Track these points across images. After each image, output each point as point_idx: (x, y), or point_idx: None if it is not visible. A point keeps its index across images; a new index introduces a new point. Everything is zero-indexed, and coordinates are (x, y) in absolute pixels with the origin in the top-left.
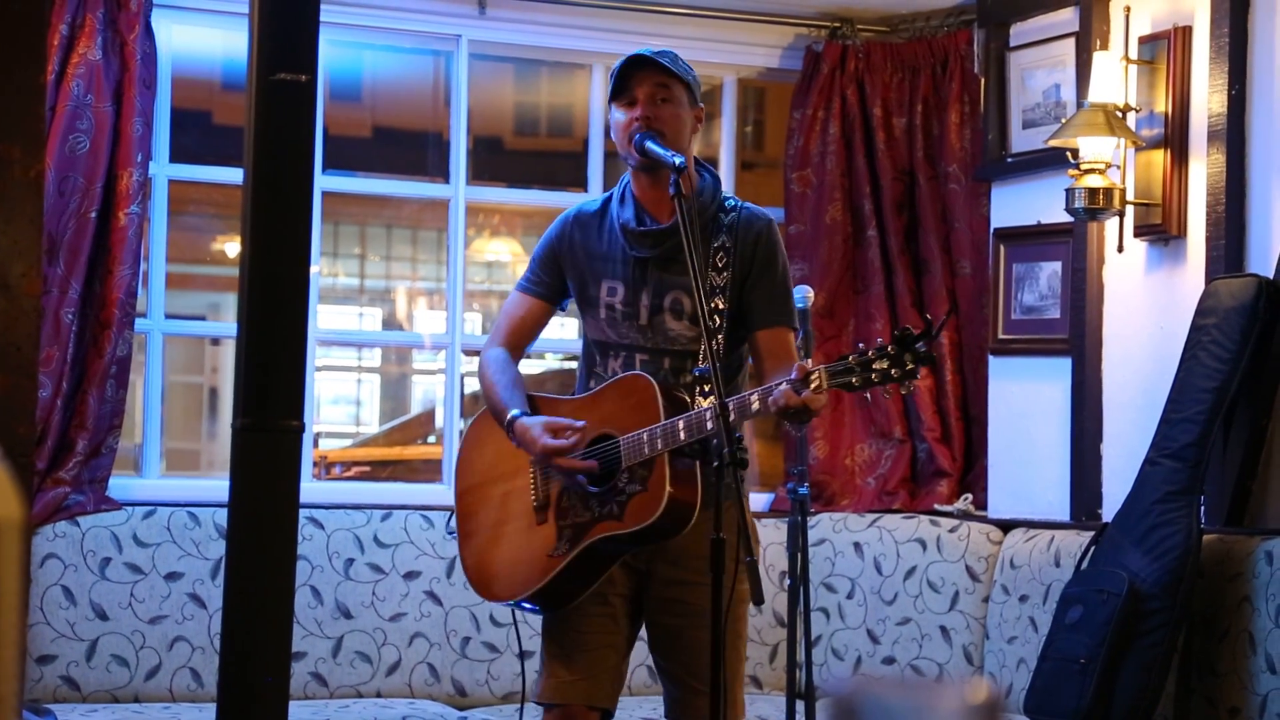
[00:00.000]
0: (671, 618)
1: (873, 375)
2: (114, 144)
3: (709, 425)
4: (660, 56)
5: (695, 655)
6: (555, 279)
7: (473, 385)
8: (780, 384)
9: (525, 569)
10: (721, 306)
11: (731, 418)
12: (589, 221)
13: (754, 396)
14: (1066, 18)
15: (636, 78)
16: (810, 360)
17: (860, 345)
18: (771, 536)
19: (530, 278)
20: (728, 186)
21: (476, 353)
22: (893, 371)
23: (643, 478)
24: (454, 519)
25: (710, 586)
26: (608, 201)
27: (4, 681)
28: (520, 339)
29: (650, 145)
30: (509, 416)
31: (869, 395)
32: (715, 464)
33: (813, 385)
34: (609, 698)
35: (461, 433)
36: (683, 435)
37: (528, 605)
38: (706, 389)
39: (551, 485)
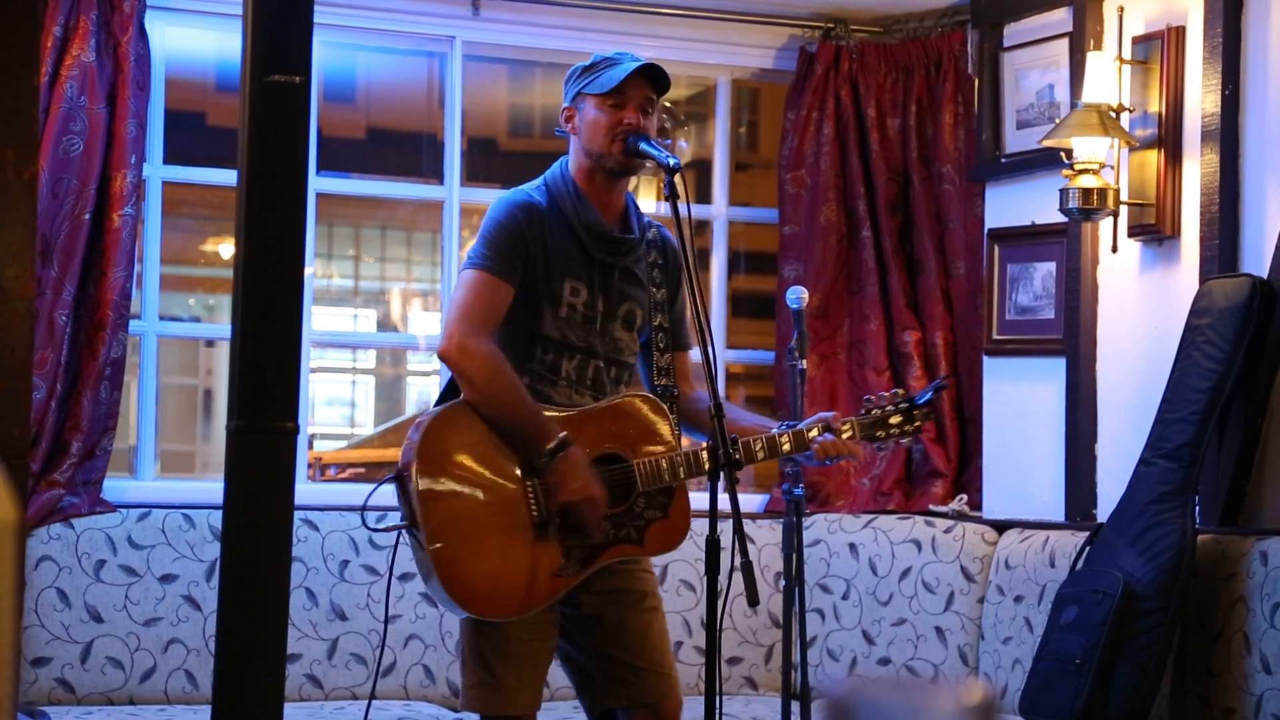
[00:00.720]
0: (614, 607)
1: (892, 430)
2: (108, 146)
3: (735, 456)
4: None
5: (641, 637)
6: (521, 266)
7: None
8: (811, 429)
9: (525, 587)
10: (663, 323)
11: (761, 457)
12: (545, 214)
13: (784, 438)
14: (1060, 18)
15: (633, 83)
16: (805, 362)
17: (868, 399)
18: (766, 538)
19: (501, 261)
20: (721, 187)
21: None
22: (906, 428)
23: (663, 504)
24: (389, 516)
25: (642, 572)
26: (548, 195)
27: None
28: (495, 331)
29: (645, 146)
30: (559, 438)
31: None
32: (708, 466)
33: (846, 434)
34: (540, 704)
35: (420, 425)
36: (707, 466)
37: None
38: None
39: (553, 501)
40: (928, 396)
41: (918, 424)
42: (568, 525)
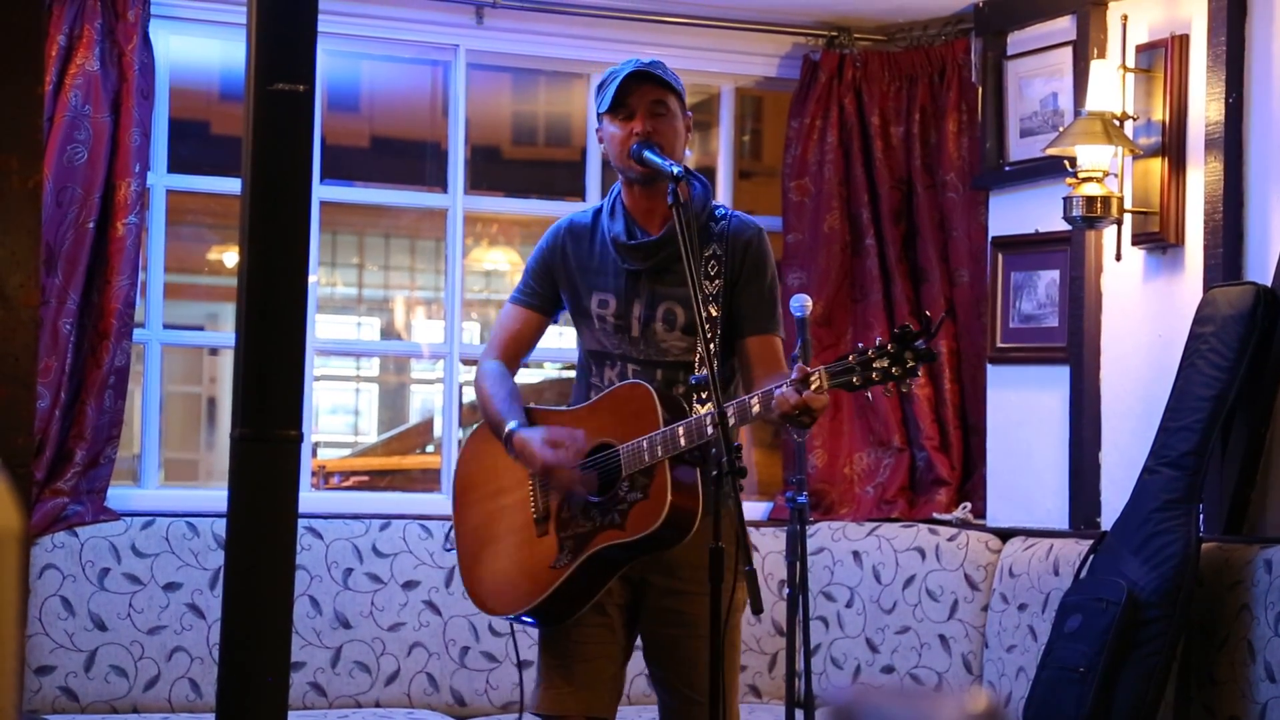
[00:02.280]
0: (668, 628)
1: (873, 374)
2: (112, 154)
3: (709, 431)
4: (653, 68)
5: (692, 665)
6: (549, 290)
7: (471, 394)
8: (779, 386)
9: (527, 582)
10: (714, 314)
11: (731, 423)
12: (581, 233)
13: (754, 400)
14: (1064, 26)
15: (634, 91)
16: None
17: (860, 345)
18: (770, 545)
19: (524, 289)
20: (725, 195)
21: (474, 362)
22: (893, 369)
23: (644, 486)
24: (453, 533)
25: (706, 596)
26: (598, 213)
27: (3, 692)
28: (516, 351)
29: (649, 155)
30: (507, 429)
31: (869, 395)
32: (714, 472)
33: (813, 385)
34: (607, 708)
35: (460, 444)
36: (683, 442)
37: (528, 620)
38: (704, 396)
39: (551, 497)
40: (907, 328)
41: (910, 365)
42: (560, 519)
